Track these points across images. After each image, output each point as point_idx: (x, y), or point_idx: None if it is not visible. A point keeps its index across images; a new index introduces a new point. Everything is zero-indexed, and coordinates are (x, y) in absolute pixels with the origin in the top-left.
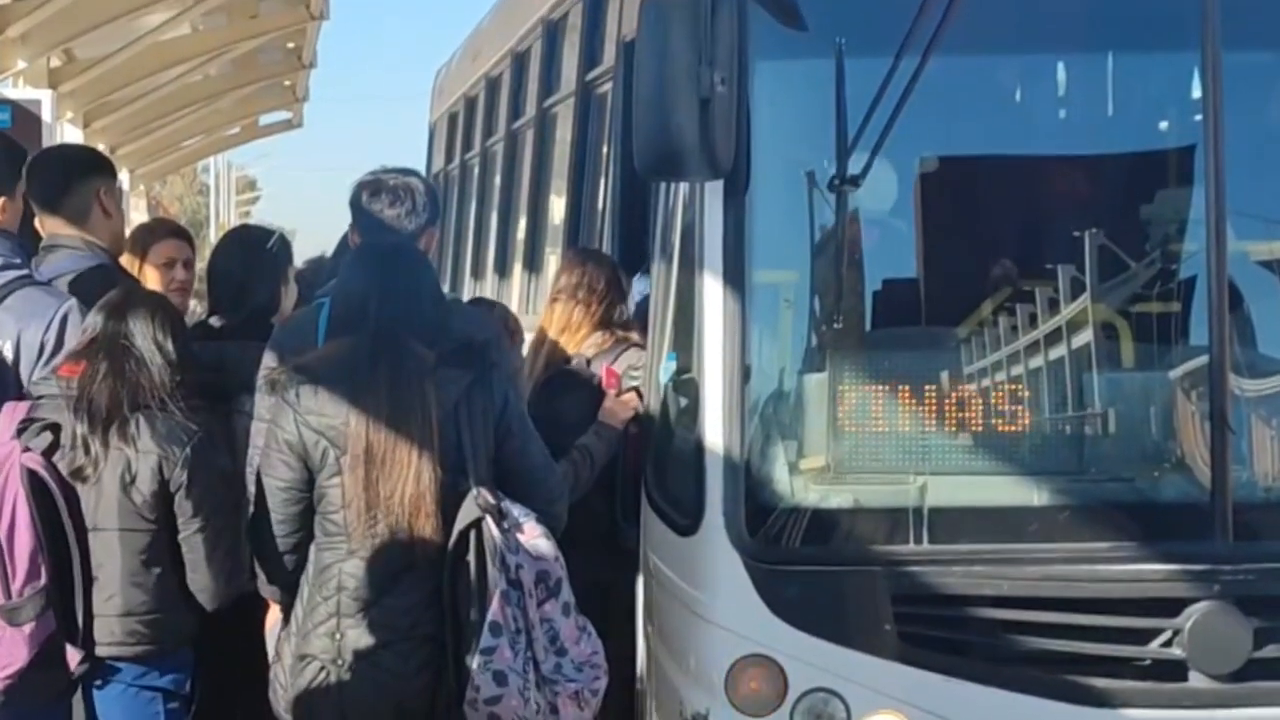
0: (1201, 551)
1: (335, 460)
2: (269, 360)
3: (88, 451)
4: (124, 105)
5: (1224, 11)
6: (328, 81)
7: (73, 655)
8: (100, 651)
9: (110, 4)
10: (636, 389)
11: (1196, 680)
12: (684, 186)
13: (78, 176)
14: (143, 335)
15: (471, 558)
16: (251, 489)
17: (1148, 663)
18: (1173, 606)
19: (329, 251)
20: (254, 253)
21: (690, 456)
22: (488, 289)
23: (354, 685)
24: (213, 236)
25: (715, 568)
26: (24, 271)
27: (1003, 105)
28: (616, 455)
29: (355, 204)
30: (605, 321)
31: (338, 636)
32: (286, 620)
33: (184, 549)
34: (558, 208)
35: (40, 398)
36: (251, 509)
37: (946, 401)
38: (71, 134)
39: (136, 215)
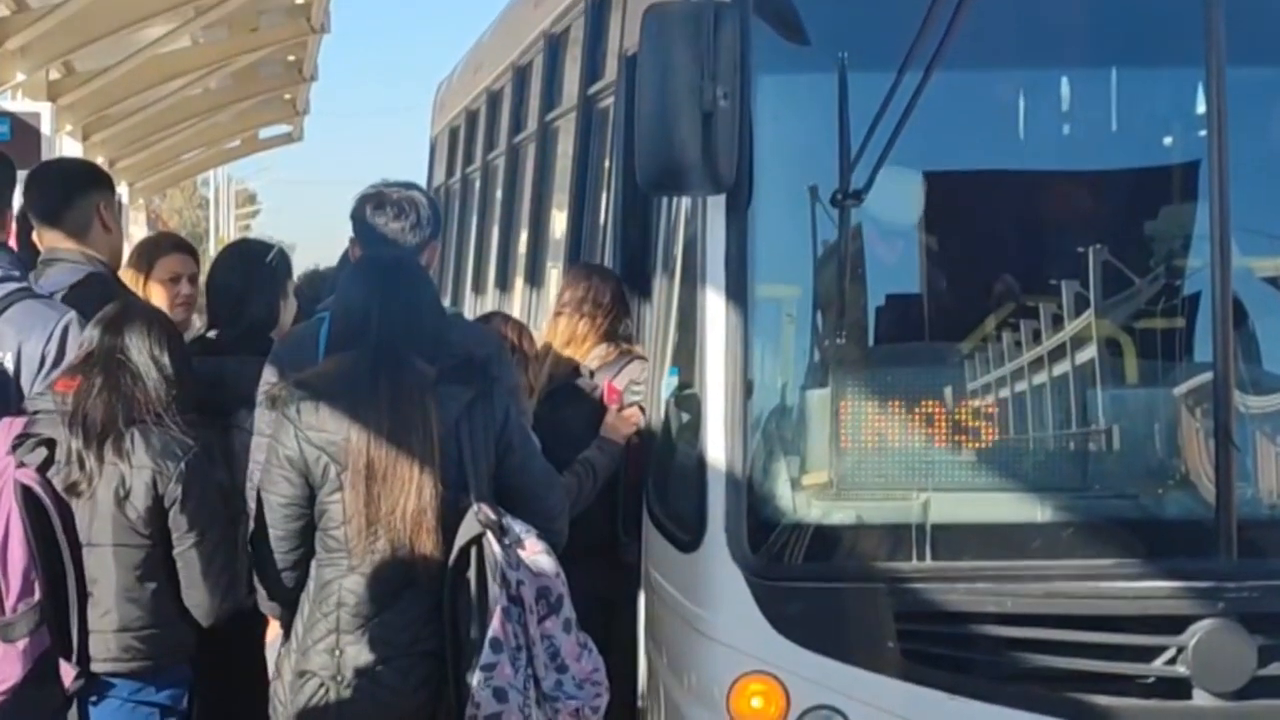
0: (1206, 569)
1: (336, 476)
2: (269, 375)
3: (82, 466)
4: (124, 118)
5: (1229, 27)
6: (329, 95)
7: (67, 671)
8: (96, 667)
9: (110, 17)
10: (639, 404)
11: (1200, 698)
12: (686, 201)
13: (78, 190)
14: (139, 350)
15: (472, 574)
16: (252, 505)
17: (1152, 680)
18: (1177, 624)
19: (322, 264)
20: (253, 267)
21: (692, 472)
22: (488, 303)
23: (354, 702)
24: (212, 250)
25: (717, 584)
26: (23, 284)
27: (1006, 121)
28: (618, 470)
29: (357, 217)
30: (610, 335)
31: (337, 653)
32: (287, 636)
33: (179, 564)
34: (559, 222)
35: (36, 413)
36: (252, 525)
37: (950, 417)
38: (71, 147)
39: (136, 229)
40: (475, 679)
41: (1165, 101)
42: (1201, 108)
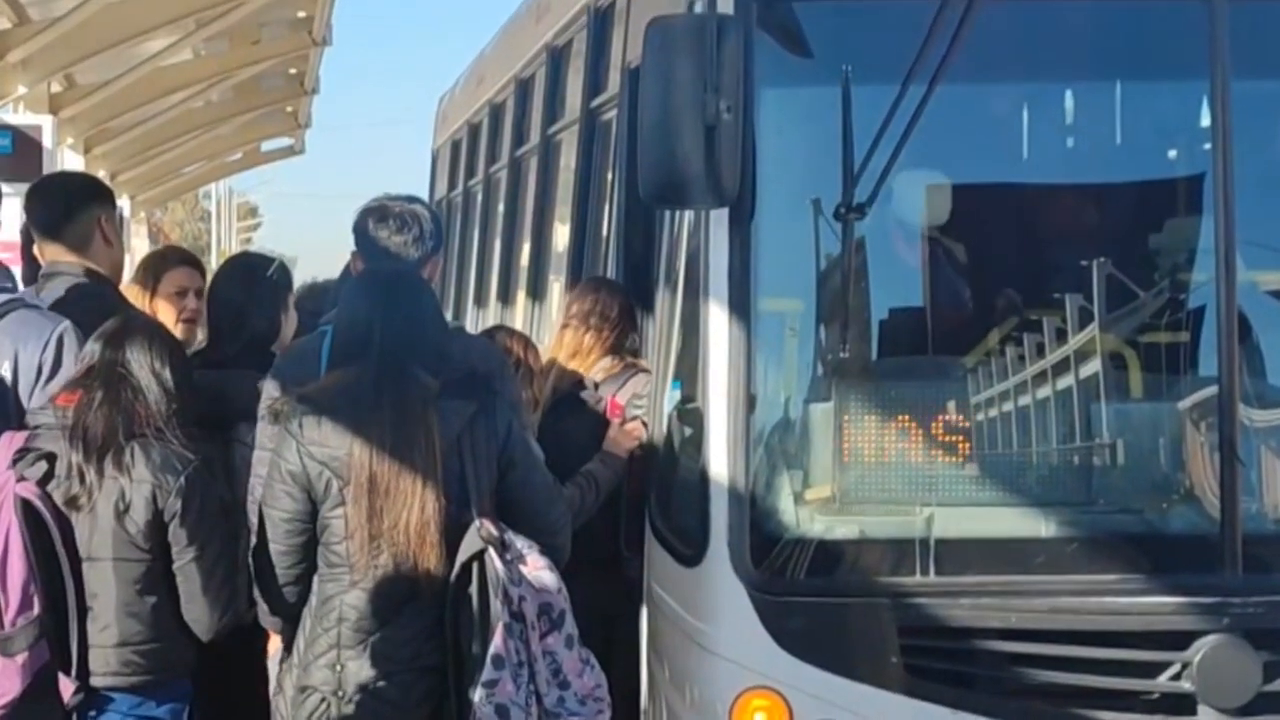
0: (1211, 584)
1: (339, 491)
2: (271, 389)
3: (82, 480)
4: (125, 131)
5: (1233, 41)
6: (331, 107)
7: (66, 686)
8: (95, 682)
9: (112, 29)
10: (641, 419)
11: (1205, 714)
12: (689, 214)
13: (79, 204)
14: (139, 364)
15: (474, 590)
16: (253, 519)
17: (1156, 696)
18: (1182, 639)
19: (319, 276)
20: (254, 281)
21: (694, 486)
22: (490, 317)
23: (356, 717)
24: (213, 263)
25: (719, 598)
26: (15, 295)
27: (1009, 134)
28: (620, 484)
29: (360, 230)
30: (616, 348)
31: (338, 668)
32: (288, 651)
33: (178, 579)
34: (561, 235)
35: (37, 427)
36: (253, 540)
37: (953, 432)
38: (72, 160)
39: (137, 242)
40: (477, 695)
41: (1169, 115)
42: (1206, 121)
